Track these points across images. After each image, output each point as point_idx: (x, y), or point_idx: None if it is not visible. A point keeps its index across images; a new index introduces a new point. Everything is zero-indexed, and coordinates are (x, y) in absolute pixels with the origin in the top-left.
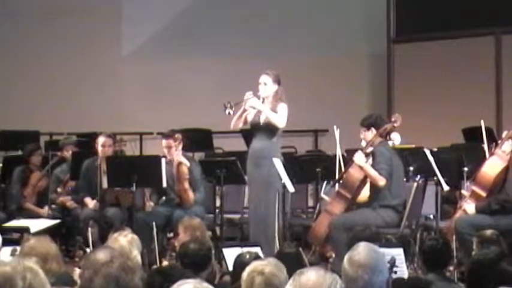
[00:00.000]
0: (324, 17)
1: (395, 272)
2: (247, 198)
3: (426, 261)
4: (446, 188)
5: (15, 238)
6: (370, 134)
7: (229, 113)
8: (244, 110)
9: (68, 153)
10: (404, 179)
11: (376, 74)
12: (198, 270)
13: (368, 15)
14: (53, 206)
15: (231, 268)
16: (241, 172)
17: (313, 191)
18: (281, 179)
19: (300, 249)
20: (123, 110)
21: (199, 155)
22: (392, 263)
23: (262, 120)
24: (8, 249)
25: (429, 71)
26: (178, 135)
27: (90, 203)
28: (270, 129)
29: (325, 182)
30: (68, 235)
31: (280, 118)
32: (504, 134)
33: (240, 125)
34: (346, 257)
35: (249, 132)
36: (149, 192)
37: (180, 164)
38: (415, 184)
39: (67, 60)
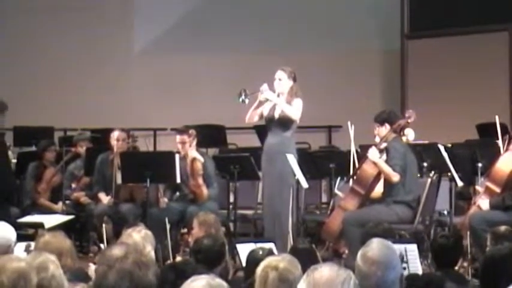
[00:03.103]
0: (337, 12)
1: (404, 268)
2: (260, 194)
3: (436, 258)
4: (460, 183)
5: (29, 234)
6: (384, 129)
7: (242, 101)
8: (260, 102)
9: (82, 149)
10: (418, 175)
11: (390, 70)
12: (211, 266)
13: (381, 11)
14: (67, 201)
15: (244, 264)
16: (254, 168)
17: (326, 186)
18: (295, 175)
19: (313, 245)
20: (136, 106)
21: (212, 151)
22: (401, 259)
23: (277, 114)
24: (22, 245)
25: (443, 66)
26: (192, 131)
27: (104, 198)
28: (285, 124)
29: (339, 178)
30: (82, 231)
31: (295, 110)
32: None
33: (256, 119)
34: (359, 253)
35: (263, 128)
36: (163, 188)
37: (194, 159)
38: (429, 180)
39: (80, 56)
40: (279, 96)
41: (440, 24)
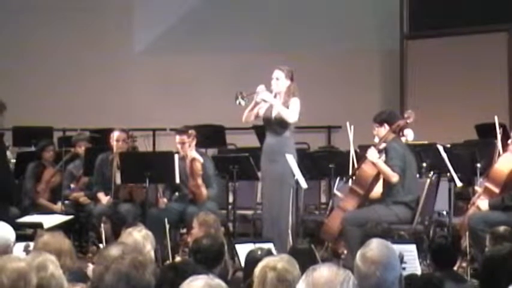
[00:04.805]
0: (337, 12)
1: (404, 268)
2: (260, 194)
3: (434, 259)
4: (459, 184)
5: (28, 234)
6: (383, 130)
7: (239, 103)
8: (256, 103)
9: (81, 149)
10: (418, 175)
11: (389, 70)
12: (210, 266)
13: (381, 10)
14: (66, 201)
15: (243, 264)
16: (254, 168)
17: (326, 187)
18: (294, 175)
19: (313, 245)
20: (136, 106)
21: (212, 151)
22: (401, 259)
23: (273, 115)
24: (21, 245)
25: (442, 67)
26: (191, 131)
27: (104, 199)
28: (281, 124)
29: (338, 178)
30: (81, 231)
31: (291, 113)
32: None
33: (252, 118)
34: (358, 254)
35: (263, 128)
36: (162, 188)
37: (193, 160)
38: (428, 180)
39: (80, 56)
40: (276, 97)
41: (439, 24)
